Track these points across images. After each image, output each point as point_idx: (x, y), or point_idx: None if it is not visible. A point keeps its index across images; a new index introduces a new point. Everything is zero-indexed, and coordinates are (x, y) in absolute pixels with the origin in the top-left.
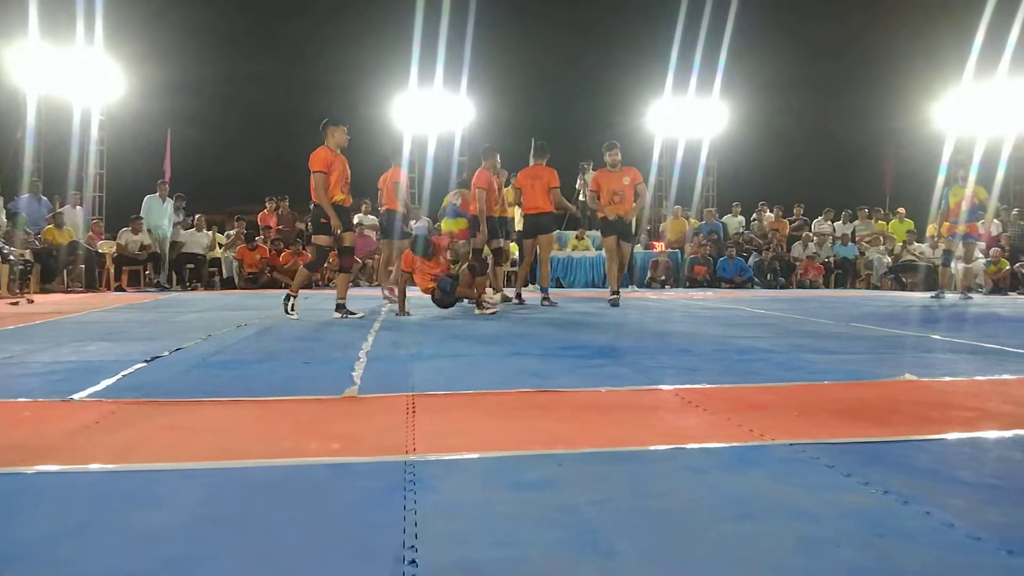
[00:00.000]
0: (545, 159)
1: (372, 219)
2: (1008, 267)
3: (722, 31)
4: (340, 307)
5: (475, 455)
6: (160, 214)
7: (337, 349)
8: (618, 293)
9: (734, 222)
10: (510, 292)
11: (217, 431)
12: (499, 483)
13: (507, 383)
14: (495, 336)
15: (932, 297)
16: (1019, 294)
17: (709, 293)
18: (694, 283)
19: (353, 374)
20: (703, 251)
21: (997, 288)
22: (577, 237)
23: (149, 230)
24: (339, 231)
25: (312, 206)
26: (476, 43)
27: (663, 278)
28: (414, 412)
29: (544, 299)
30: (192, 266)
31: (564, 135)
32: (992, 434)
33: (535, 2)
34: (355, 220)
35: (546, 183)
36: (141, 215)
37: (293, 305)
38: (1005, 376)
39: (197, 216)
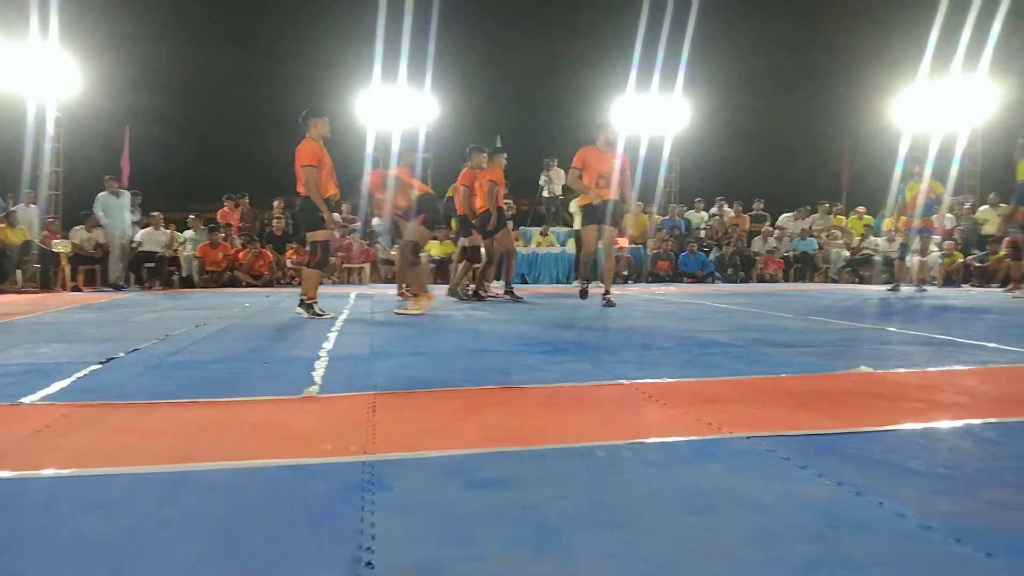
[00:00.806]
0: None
1: (336, 216)
2: (961, 259)
3: (684, 29)
4: (309, 307)
5: (435, 453)
6: (119, 210)
7: (298, 348)
8: (588, 283)
9: (696, 217)
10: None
11: (172, 434)
12: (459, 481)
13: (470, 380)
14: (459, 333)
15: (888, 290)
16: (971, 286)
17: (671, 288)
18: (656, 278)
19: (314, 373)
20: (665, 246)
21: (950, 280)
22: (541, 233)
23: (103, 227)
24: (333, 227)
25: (300, 201)
26: (440, 39)
27: (626, 273)
28: (375, 411)
29: (508, 292)
30: (151, 265)
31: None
32: (943, 424)
33: None
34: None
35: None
36: (97, 212)
37: (319, 308)
38: (956, 367)
39: (154, 214)
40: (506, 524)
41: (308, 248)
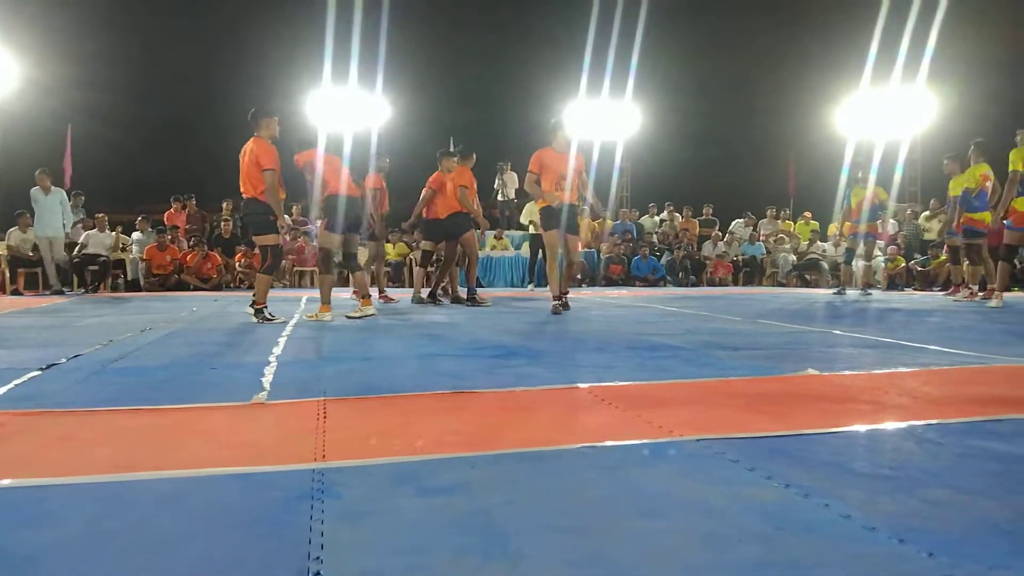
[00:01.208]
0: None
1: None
2: (903, 264)
3: (634, 33)
4: (259, 311)
5: (386, 460)
6: (48, 209)
7: (247, 354)
8: (561, 299)
9: (649, 222)
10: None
11: (114, 442)
12: (409, 488)
13: (422, 385)
14: (411, 337)
15: (834, 294)
16: (914, 290)
17: (624, 292)
18: (610, 282)
19: (263, 380)
20: (618, 250)
21: (893, 284)
22: (496, 237)
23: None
24: (285, 232)
25: (245, 203)
26: (392, 40)
27: (579, 277)
28: (325, 417)
29: (470, 298)
30: (95, 268)
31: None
32: (887, 426)
33: (451, 1)
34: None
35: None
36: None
37: (269, 313)
38: (900, 369)
39: (99, 215)
40: (456, 531)
41: (258, 252)
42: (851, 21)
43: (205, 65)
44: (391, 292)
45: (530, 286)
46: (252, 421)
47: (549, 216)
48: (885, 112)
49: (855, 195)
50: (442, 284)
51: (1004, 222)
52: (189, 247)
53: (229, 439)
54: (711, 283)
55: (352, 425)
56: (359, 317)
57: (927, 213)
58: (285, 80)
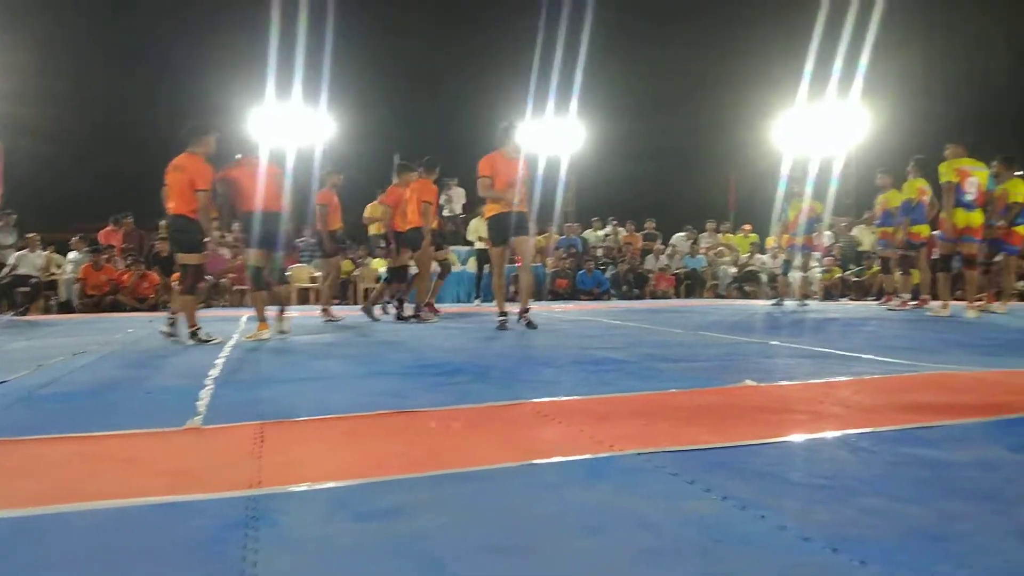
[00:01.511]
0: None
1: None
2: (839, 275)
3: (577, 52)
4: (193, 333)
5: (324, 485)
6: None
7: (182, 377)
8: (506, 315)
9: (593, 236)
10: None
11: (36, 473)
12: (347, 513)
13: (363, 406)
14: (354, 356)
15: (772, 305)
16: (849, 300)
17: (569, 306)
18: (556, 296)
19: (197, 403)
20: (563, 265)
21: (829, 295)
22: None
23: None
24: (212, 252)
25: (170, 219)
26: (336, 57)
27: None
28: (262, 442)
29: (416, 314)
30: (26, 289)
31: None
32: (823, 435)
33: (397, 17)
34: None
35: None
36: None
37: (205, 334)
38: (835, 379)
39: (30, 235)
40: (394, 556)
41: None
42: (788, 39)
43: (144, 81)
44: (337, 310)
45: (477, 301)
46: (185, 447)
47: (498, 228)
48: (821, 127)
49: (792, 208)
50: (426, 300)
51: (935, 233)
52: (126, 266)
53: (160, 466)
54: (654, 296)
55: (290, 449)
56: (254, 339)
57: (862, 225)
58: (226, 95)
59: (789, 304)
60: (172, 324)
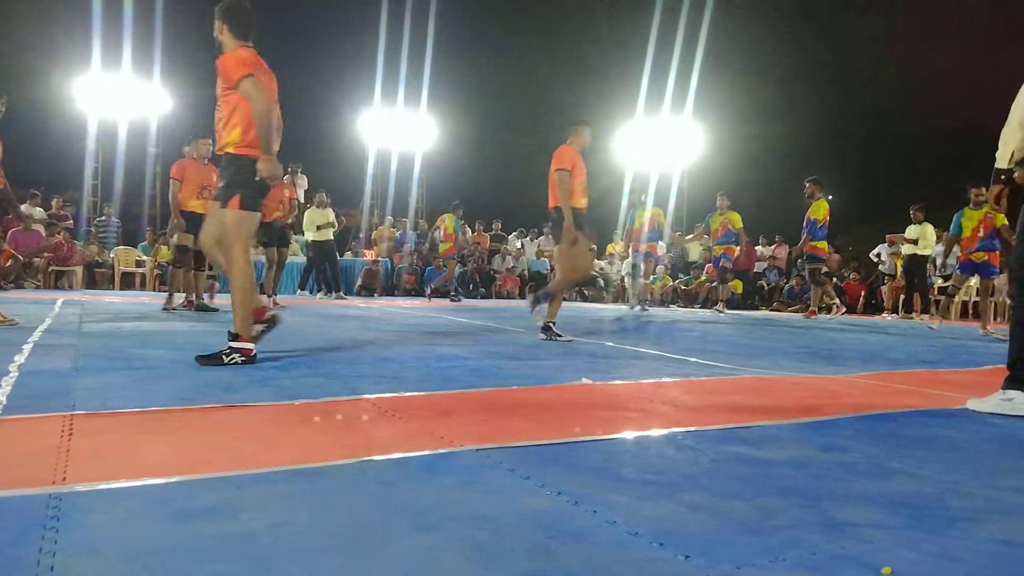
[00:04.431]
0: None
1: (41, 211)
2: (670, 283)
3: (424, 46)
4: None
5: (139, 482)
6: None
7: None
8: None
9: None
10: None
11: None
12: (164, 513)
13: (189, 398)
14: (180, 346)
15: (632, 308)
16: (679, 306)
17: (416, 302)
18: (404, 292)
19: None
20: (412, 260)
21: (661, 301)
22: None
23: None
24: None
25: None
26: (184, 38)
27: (373, 286)
28: (71, 435)
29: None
30: None
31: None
32: (652, 432)
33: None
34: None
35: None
36: None
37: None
38: (664, 379)
39: None
40: (215, 558)
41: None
42: (624, 61)
43: None
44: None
45: (319, 295)
46: None
47: (579, 225)
48: (658, 142)
49: (638, 216)
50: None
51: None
52: None
53: None
54: (500, 296)
55: (102, 443)
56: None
57: (690, 236)
58: (47, 64)
59: (629, 308)
60: None
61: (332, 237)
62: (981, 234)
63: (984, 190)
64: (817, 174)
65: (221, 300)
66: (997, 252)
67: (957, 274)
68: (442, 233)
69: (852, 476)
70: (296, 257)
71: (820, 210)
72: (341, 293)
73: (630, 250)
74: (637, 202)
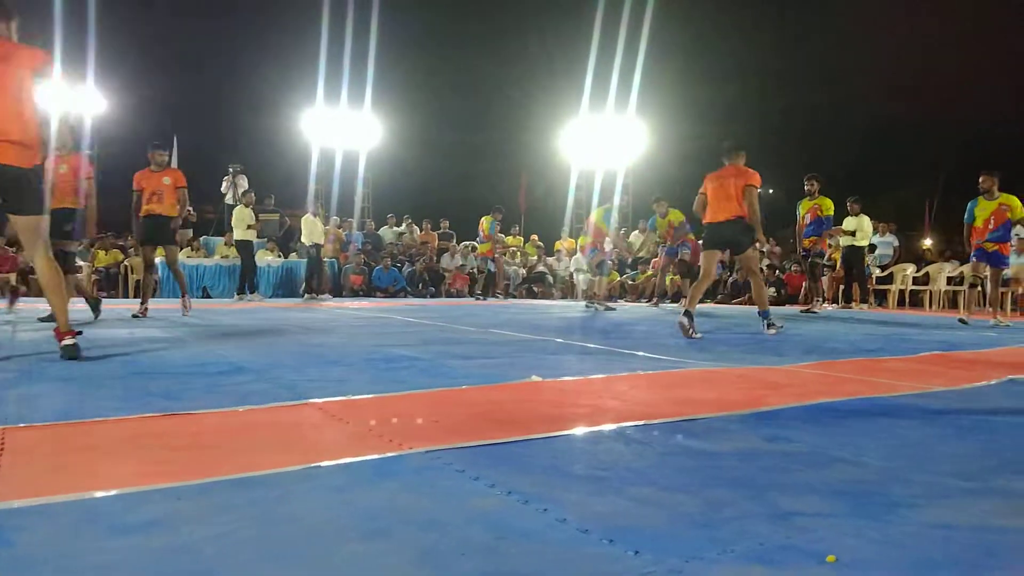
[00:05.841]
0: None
1: None
2: (618, 279)
3: (367, 44)
4: None
5: (74, 497)
6: None
7: None
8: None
9: (389, 233)
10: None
11: None
12: (99, 528)
13: (127, 408)
14: (121, 353)
15: (603, 308)
16: (627, 301)
17: (364, 302)
18: (351, 292)
19: None
20: (358, 260)
21: (608, 296)
22: (226, 243)
23: None
24: None
25: None
26: (117, 39)
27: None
28: (2, 449)
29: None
30: None
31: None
32: (602, 428)
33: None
34: None
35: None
36: None
37: None
38: (613, 374)
39: None
40: (154, 573)
41: None
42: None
43: None
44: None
45: (255, 296)
46: None
47: (709, 233)
48: (603, 140)
49: (660, 224)
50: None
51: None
52: None
53: None
54: (449, 294)
55: (36, 457)
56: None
57: (636, 232)
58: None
59: (581, 303)
60: None
61: (256, 238)
62: (992, 226)
63: (989, 177)
64: (758, 170)
65: (204, 305)
66: (1008, 243)
67: (973, 261)
68: (482, 235)
69: (796, 466)
70: (224, 260)
71: (830, 206)
72: (257, 294)
73: (585, 247)
74: (663, 211)
